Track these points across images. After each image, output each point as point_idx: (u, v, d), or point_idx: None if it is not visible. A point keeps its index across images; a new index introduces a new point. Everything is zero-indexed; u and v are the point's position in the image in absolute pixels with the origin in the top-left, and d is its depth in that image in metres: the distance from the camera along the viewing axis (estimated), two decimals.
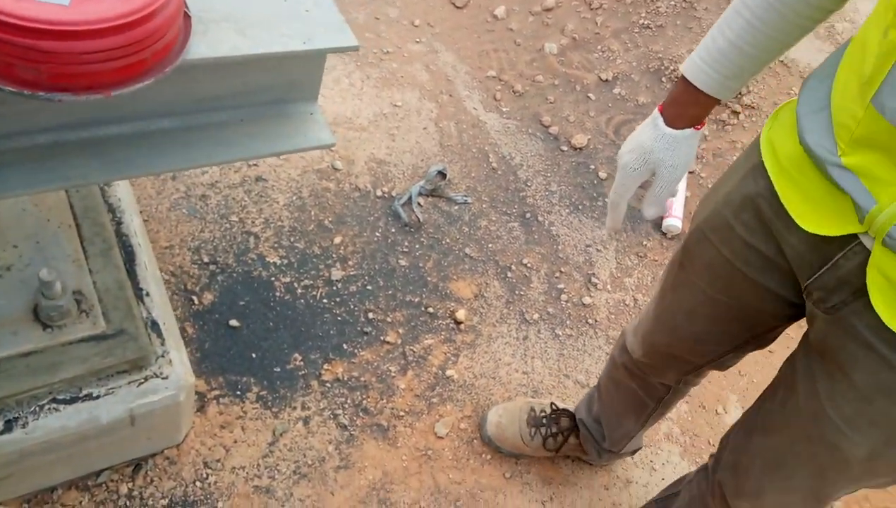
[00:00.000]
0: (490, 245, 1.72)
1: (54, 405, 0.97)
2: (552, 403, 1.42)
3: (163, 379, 1.05)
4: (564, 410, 1.41)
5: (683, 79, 0.84)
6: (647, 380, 1.15)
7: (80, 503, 1.12)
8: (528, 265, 1.72)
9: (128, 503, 1.15)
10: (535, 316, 1.64)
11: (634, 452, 1.40)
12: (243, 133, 1.04)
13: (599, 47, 2.27)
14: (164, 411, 1.07)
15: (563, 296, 1.70)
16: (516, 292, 1.66)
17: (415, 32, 2.08)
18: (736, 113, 2.25)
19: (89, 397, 0.99)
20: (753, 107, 2.30)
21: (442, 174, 1.78)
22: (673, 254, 1.04)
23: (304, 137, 1.08)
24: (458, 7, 2.19)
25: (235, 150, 1.02)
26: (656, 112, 0.87)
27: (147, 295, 1.10)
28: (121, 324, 1.02)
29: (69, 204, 1.10)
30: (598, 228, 1.87)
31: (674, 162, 0.87)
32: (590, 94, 2.15)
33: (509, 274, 1.69)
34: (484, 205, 1.79)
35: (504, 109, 2.02)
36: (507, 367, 1.54)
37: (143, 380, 1.03)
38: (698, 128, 0.87)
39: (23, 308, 0.98)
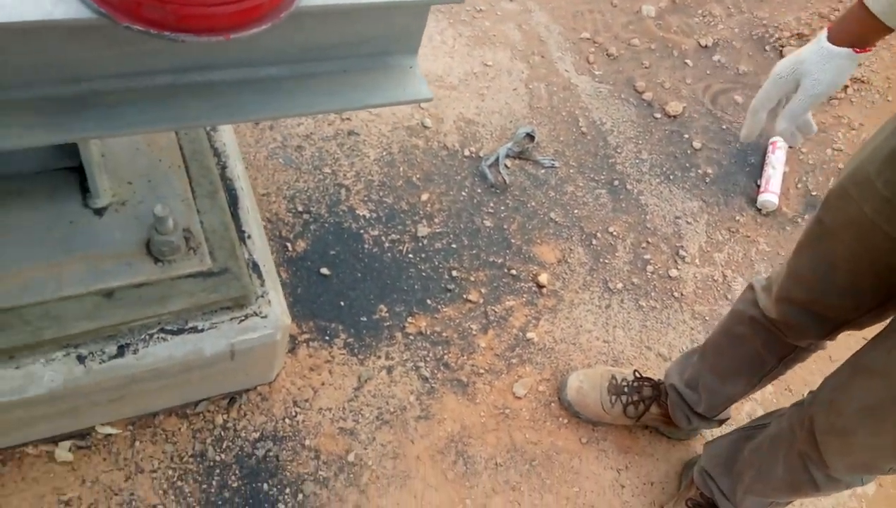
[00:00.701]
0: (576, 211, 1.70)
1: (162, 335, 1.03)
2: (635, 371, 1.41)
3: (262, 317, 1.09)
4: (647, 379, 1.40)
5: (861, 1, 0.81)
6: (775, 338, 1.12)
7: (179, 429, 1.20)
8: (614, 233, 1.69)
9: (222, 433, 1.21)
10: (619, 285, 1.61)
11: (723, 422, 1.37)
12: (345, 83, 1.05)
13: (700, 11, 2.17)
14: (261, 348, 1.12)
15: (649, 268, 1.66)
16: (601, 260, 1.64)
17: None
18: (844, 87, 2.11)
19: (194, 330, 1.05)
20: (864, 81, 2.16)
21: (530, 136, 1.76)
22: (814, 213, 1.01)
23: (402, 90, 1.08)
24: None
25: (337, 100, 1.04)
26: (824, 29, 0.86)
27: (249, 237, 1.14)
28: (225, 263, 1.07)
29: (179, 146, 1.14)
30: (689, 200, 1.81)
31: (819, 76, 0.85)
32: (687, 61, 2.07)
33: (594, 242, 1.66)
34: (571, 170, 1.77)
35: (597, 73, 1.97)
36: (588, 335, 1.53)
37: (243, 318, 1.08)
38: (858, 52, 0.84)
39: (136, 242, 1.04)
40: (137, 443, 1.16)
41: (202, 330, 1.05)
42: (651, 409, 1.36)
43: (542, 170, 1.74)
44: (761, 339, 1.14)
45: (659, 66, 2.04)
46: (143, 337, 1.02)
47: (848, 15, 0.84)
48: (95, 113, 0.90)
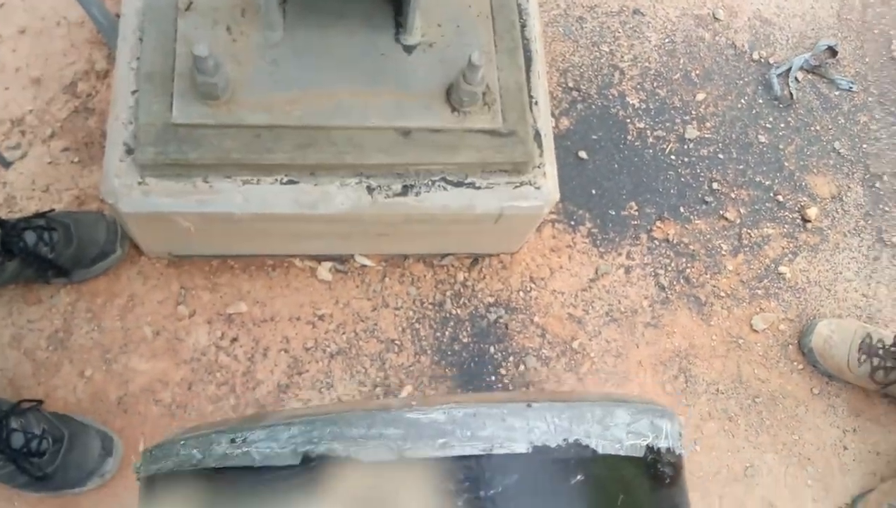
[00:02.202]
0: (865, 145, 1.49)
1: (443, 183, 1.04)
2: None
3: (535, 188, 1.07)
4: None
5: None
6: None
7: (425, 276, 1.24)
8: None
9: (462, 289, 1.25)
10: (895, 239, 1.42)
11: None
12: None
13: None
14: (526, 218, 1.11)
15: None
16: (880, 206, 1.44)
17: None
18: None
19: (472, 185, 1.05)
20: None
21: (832, 50, 1.53)
22: None
23: None
24: None
25: None
26: None
27: (536, 103, 1.10)
28: (514, 126, 1.04)
29: None
30: None
31: None
32: None
33: (878, 184, 1.46)
34: (870, 99, 1.53)
35: None
36: (847, 284, 1.38)
37: (518, 184, 1.06)
38: None
39: (438, 86, 1.03)
40: (387, 279, 1.23)
41: (479, 187, 1.05)
42: None
43: (837, 92, 1.52)
44: None
45: None
46: (426, 181, 1.04)
47: None
48: None
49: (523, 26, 1.14)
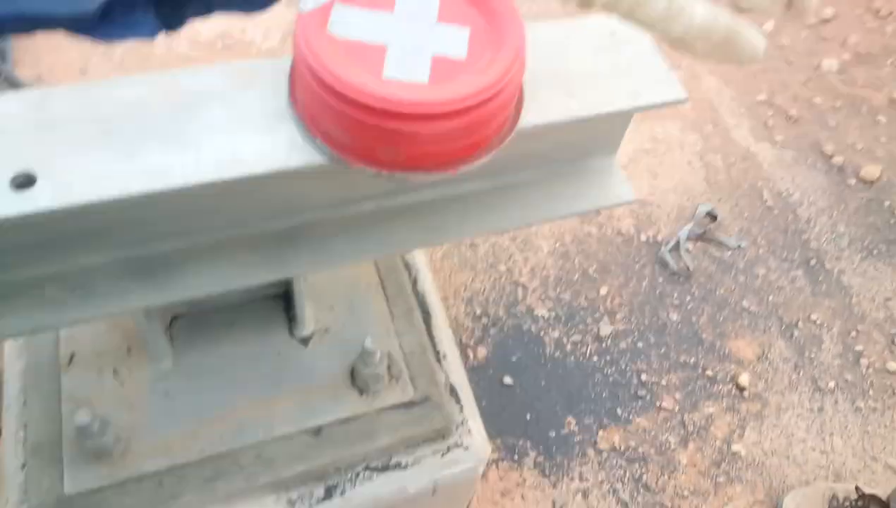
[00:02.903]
0: (771, 297, 1.53)
1: (368, 473, 0.97)
2: (857, 487, 1.22)
3: (464, 449, 1.01)
4: (873, 496, 1.20)
5: None
6: None
7: None
8: (818, 321, 1.50)
9: None
10: (831, 383, 1.42)
11: None
12: (544, 192, 0.97)
13: (889, 61, 1.96)
14: (464, 482, 1.04)
15: (863, 361, 1.46)
16: (805, 354, 1.46)
17: (673, 57, 1.92)
18: None
19: (398, 466, 0.98)
20: None
21: (711, 215, 1.62)
22: None
23: (604, 195, 0.98)
24: None
25: (537, 211, 0.95)
26: None
27: (444, 357, 1.08)
28: (426, 391, 1.00)
29: (374, 263, 1.11)
30: None
31: None
32: (880, 117, 1.86)
33: (796, 333, 1.49)
34: (761, 250, 1.60)
35: (777, 138, 1.81)
36: (802, 444, 1.35)
37: (445, 451, 1.00)
38: None
39: (341, 372, 0.99)
40: None
41: (406, 467, 0.99)
42: None
43: (729, 252, 1.59)
44: None
45: (847, 126, 1.84)
46: (349, 476, 0.96)
47: None
48: (308, 246, 0.86)
49: (414, 282, 1.14)
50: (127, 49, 1.69)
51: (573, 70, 0.87)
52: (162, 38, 1.70)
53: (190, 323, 0.99)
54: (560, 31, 0.89)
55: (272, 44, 1.80)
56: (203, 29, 1.75)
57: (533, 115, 0.82)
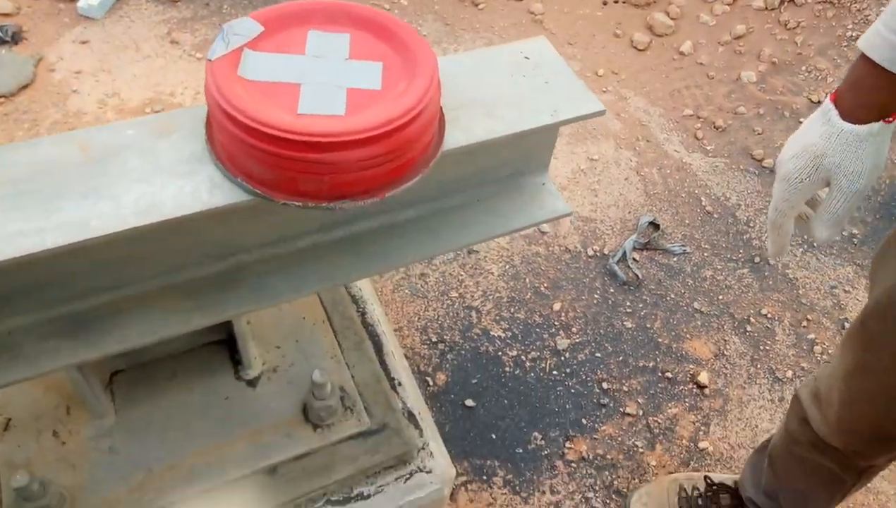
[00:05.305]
0: (720, 296, 1.57)
1: (329, 507, 0.96)
2: (706, 477, 1.21)
3: (427, 473, 1.00)
4: (722, 485, 1.19)
5: (864, 57, 0.64)
6: (847, 459, 0.94)
7: None
8: (769, 315, 1.54)
9: None
10: (789, 373, 1.45)
11: None
12: (482, 212, 1.00)
13: (804, 68, 2.07)
14: (430, 506, 1.02)
15: (817, 348, 1.49)
16: (760, 347, 1.48)
17: (600, 82, 2.01)
18: None
19: (361, 496, 0.97)
20: None
21: (654, 225, 1.66)
22: (852, 326, 0.84)
23: (540, 210, 1.02)
24: (639, 50, 2.09)
25: (476, 231, 0.98)
26: (827, 103, 0.68)
27: (399, 384, 1.08)
28: (383, 419, 1.00)
29: (319, 299, 1.11)
30: (841, 266, 1.65)
31: (856, 168, 0.67)
32: (801, 119, 1.95)
33: (748, 328, 1.51)
34: (705, 254, 1.65)
35: (708, 147, 1.88)
36: (767, 434, 1.35)
37: (408, 476, 0.99)
38: (889, 122, 0.66)
39: (292, 409, 0.99)
40: None
41: (368, 496, 0.97)
42: None
43: (674, 258, 1.63)
44: (830, 459, 0.95)
45: (773, 130, 1.92)
46: None
47: (859, 82, 0.66)
48: (244, 287, 0.87)
49: (363, 314, 1.15)
50: (52, 124, 1.69)
51: (492, 94, 0.91)
52: (90, 109, 1.70)
53: (131, 377, 0.97)
54: (476, 59, 0.94)
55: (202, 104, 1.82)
56: (131, 96, 1.77)
57: (456, 137, 0.86)
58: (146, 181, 0.74)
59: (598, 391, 1.38)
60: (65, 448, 0.91)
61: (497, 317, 1.46)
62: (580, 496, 1.24)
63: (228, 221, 0.83)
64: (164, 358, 1.01)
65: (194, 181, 0.74)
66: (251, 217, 0.84)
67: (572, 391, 1.37)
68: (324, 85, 0.73)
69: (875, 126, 0.66)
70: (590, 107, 0.91)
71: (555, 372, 1.39)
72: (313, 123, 0.69)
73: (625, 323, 1.49)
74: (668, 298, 1.55)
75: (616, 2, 2.21)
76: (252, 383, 1.00)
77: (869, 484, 1.28)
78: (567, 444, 1.30)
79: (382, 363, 1.10)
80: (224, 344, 1.03)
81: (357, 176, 0.74)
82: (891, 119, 0.67)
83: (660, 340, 1.47)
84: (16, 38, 1.88)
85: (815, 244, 1.67)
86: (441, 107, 0.83)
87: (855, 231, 1.72)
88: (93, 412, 0.93)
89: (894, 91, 0.64)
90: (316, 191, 0.74)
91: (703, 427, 1.35)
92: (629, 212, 1.71)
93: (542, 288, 1.53)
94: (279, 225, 0.88)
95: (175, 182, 0.74)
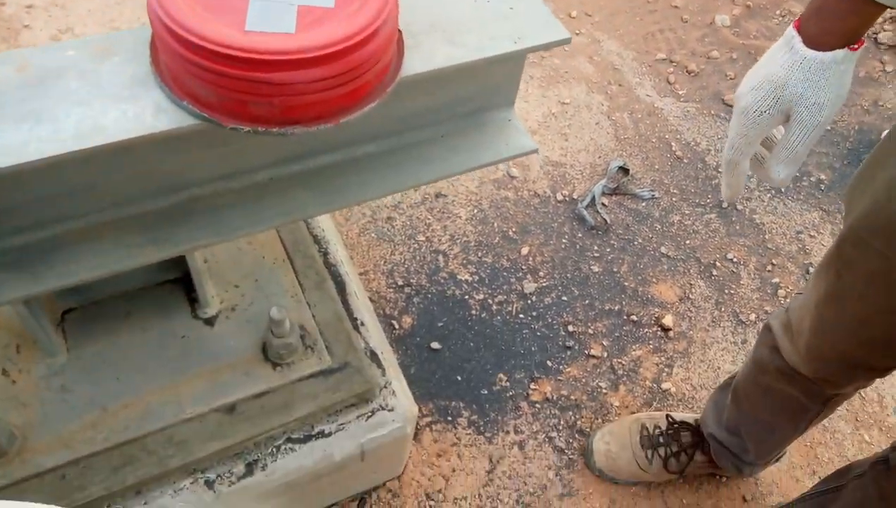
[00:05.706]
0: (687, 241, 1.57)
1: (290, 444, 0.95)
2: (668, 415, 1.23)
3: (389, 410, 1.00)
4: (683, 423, 1.21)
5: None
6: (813, 387, 0.95)
7: None
8: (734, 260, 1.55)
9: None
10: (752, 316, 1.46)
11: (780, 458, 1.20)
12: (445, 148, 0.98)
13: (778, 12, 2.04)
14: (392, 444, 1.03)
15: (781, 292, 1.51)
16: (725, 291, 1.50)
17: (572, 24, 1.97)
18: (883, 63, 1.93)
19: (322, 434, 0.96)
20: None
21: (623, 170, 1.65)
22: (826, 255, 0.84)
23: (505, 146, 0.99)
24: None
25: (440, 167, 0.96)
26: (790, 30, 0.65)
27: (362, 324, 1.07)
28: (344, 357, 0.99)
29: (280, 239, 1.09)
30: (808, 211, 1.66)
31: (818, 98, 0.64)
32: None
33: (714, 272, 1.52)
34: (674, 199, 1.64)
35: (680, 92, 1.86)
36: (728, 376, 1.38)
37: (370, 414, 0.99)
38: (854, 49, 0.63)
39: (252, 347, 0.97)
40: None
41: (330, 434, 0.97)
42: (695, 458, 1.19)
43: (643, 203, 1.62)
44: (797, 388, 0.97)
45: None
46: (269, 450, 0.94)
47: (824, 6, 0.62)
48: (199, 221, 0.84)
49: (325, 254, 1.13)
50: None
51: (455, 19, 0.87)
52: (43, 45, 1.59)
53: (84, 316, 0.95)
54: None
55: None
56: (84, 32, 1.70)
57: (416, 63, 0.82)
58: (87, 104, 0.70)
59: (563, 334, 1.38)
60: (15, 387, 0.89)
61: (464, 261, 1.45)
62: (543, 435, 1.25)
63: (179, 150, 0.79)
64: (118, 296, 0.98)
65: (138, 104, 0.70)
66: (203, 146, 0.81)
67: (538, 334, 1.37)
68: (273, 1, 0.70)
69: (840, 53, 0.63)
70: (555, 35, 0.88)
71: (521, 316, 1.39)
72: (261, 40, 0.65)
73: (592, 267, 1.49)
74: (636, 243, 1.55)
75: None
76: (209, 322, 0.98)
77: (826, 423, 1.32)
78: (532, 385, 1.31)
79: (345, 303, 1.09)
80: (180, 283, 1.00)
81: (309, 99, 0.71)
82: (856, 46, 0.64)
83: (626, 284, 1.47)
84: None
85: (770, 187, 1.68)
86: (400, 31, 0.79)
87: (822, 176, 1.73)
88: (44, 350, 0.90)
89: (860, 15, 0.61)
90: (266, 116, 0.71)
91: (666, 369, 1.36)
92: (599, 157, 1.69)
93: (511, 233, 1.51)
94: (234, 156, 0.85)
95: (118, 105, 0.70)
